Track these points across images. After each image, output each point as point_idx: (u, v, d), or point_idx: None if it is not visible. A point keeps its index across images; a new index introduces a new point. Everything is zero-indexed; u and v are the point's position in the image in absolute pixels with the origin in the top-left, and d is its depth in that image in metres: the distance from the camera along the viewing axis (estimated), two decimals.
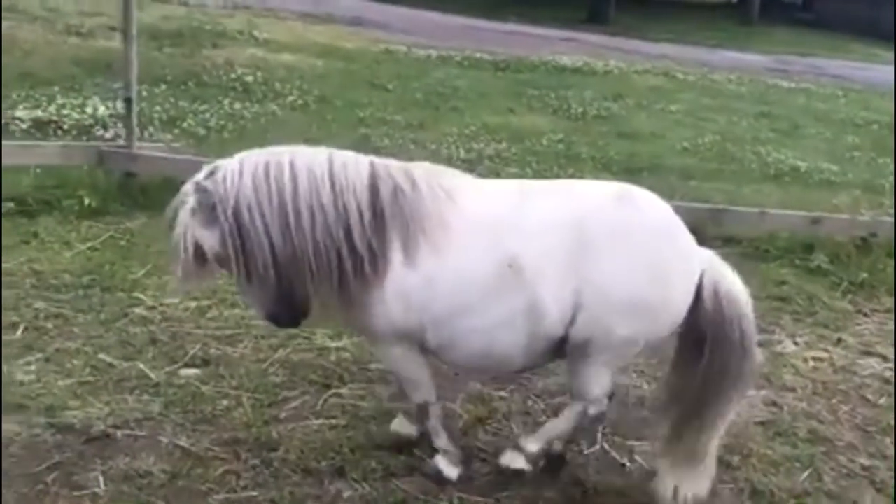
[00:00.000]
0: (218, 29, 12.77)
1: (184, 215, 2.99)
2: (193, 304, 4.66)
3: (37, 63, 9.65)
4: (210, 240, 2.94)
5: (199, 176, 2.97)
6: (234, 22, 13.67)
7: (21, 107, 7.84)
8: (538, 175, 7.84)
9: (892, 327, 5.23)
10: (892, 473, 3.76)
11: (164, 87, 9.56)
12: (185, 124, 8.12)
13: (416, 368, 3.25)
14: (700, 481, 3.26)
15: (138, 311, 4.49)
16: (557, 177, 7.94)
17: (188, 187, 2.99)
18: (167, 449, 3.37)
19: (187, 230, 2.97)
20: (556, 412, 3.77)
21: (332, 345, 4.40)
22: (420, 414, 3.37)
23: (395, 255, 2.99)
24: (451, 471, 3.39)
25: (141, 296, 4.66)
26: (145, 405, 3.64)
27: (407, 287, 3.00)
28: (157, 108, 8.44)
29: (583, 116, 10.93)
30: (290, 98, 9.95)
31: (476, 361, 3.25)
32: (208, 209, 2.91)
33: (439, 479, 3.38)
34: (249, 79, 10.47)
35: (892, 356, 4.86)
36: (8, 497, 3.00)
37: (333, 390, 3.96)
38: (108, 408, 3.58)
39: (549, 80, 13.06)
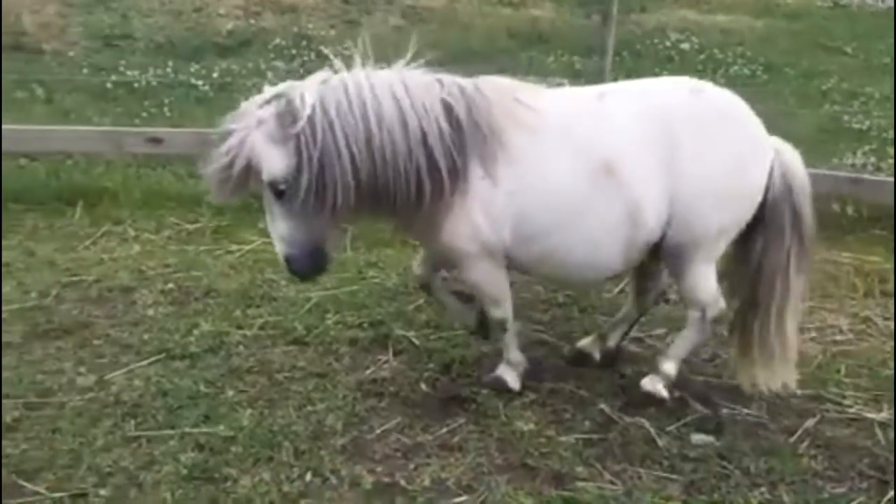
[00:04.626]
0: None
1: (247, 125, 2.83)
2: None
3: (474, 37, 9.68)
4: (274, 159, 2.83)
5: (264, 97, 2.89)
6: None
7: None
8: None
9: None
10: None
11: (595, 58, 9.04)
12: None
13: (499, 285, 3.29)
14: (776, 375, 3.35)
15: (625, 343, 3.90)
16: None
17: (260, 99, 2.88)
18: None
19: (246, 142, 2.81)
20: None
21: (869, 415, 3.44)
22: (497, 329, 3.43)
23: (475, 170, 2.96)
24: (514, 382, 3.45)
25: None
26: (662, 485, 3.01)
27: (489, 202, 3.00)
28: None
29: None
30: (734, 68, 8.85)
31: (572, 273, 3.29)
32: (282, 126, 2.79)
33: (501, 387, 3.44)
34: (685, 46, 9.55)
35: None
36: None
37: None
38: (621, 483, 3.01)
39: None
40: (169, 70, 7.78)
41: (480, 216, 3.02)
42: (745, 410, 3.46)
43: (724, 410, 3.45)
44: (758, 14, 11.24)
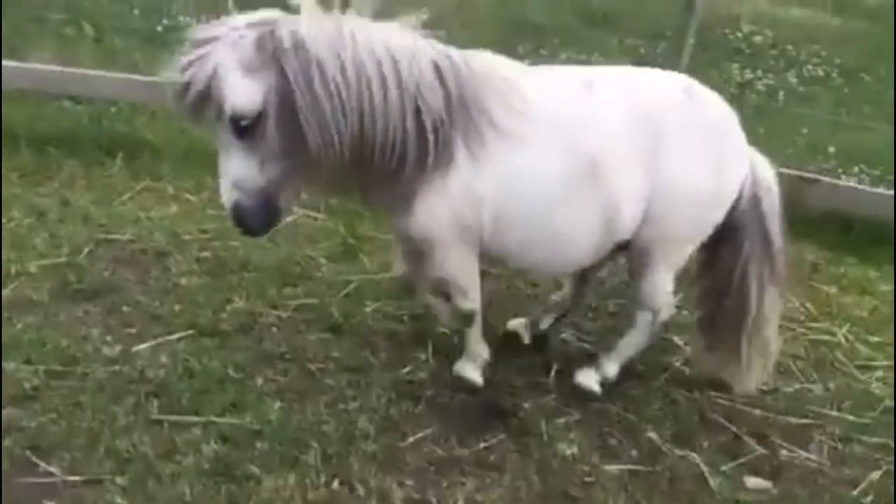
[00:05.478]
0: None
1: (219, 42, 2.45)
2: None
3: (535, 9, 9.33)
4: (242, 89, 2.46)
5: (248, 18, 2.54)
6: None
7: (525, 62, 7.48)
8: None
9: None
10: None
11: (663, 44, 8.67)
12: None
13: (471, 272, 3.08)
14: (751, 376, 3.39)
15: (677, 364, 3.66)
16: None
17: (242, 19, 2.53)
18: None
19: (210, 63, 2.43)
20: None
21: None
22: (465, 320, 3.21)
23: (459, 148, 2.76)
24: (476, 376, 3.32)
25: (683, 342, 3.82)
26: None
27: (471, 184, 2.80)
28: None
29: None
30: (808, 67, 8.41)
31: (541, 265, 3.19)
32: (261, 52, 2.46)
33: (463, 385, 3.31)
34: (757, 38, 9.11)
35: None
36: None
37: None
38: None
39: None
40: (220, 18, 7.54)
41: (460, 197, 2.82)
42: (805, 454, 3.22)
43: (783, 452, 3.21)
44: (835, 11, 10.72)
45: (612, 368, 3.37)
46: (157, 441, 2.87)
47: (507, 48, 7.26)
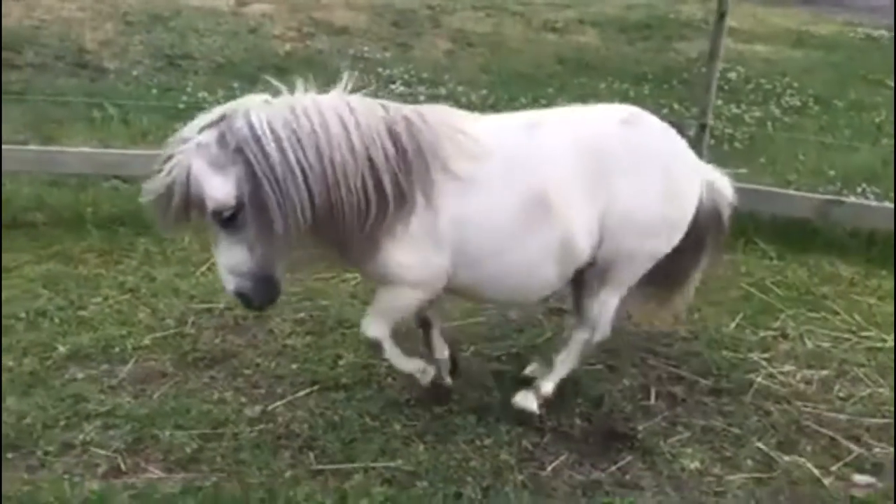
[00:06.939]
0: (681, 18, 12.12)
1: (187, 151, 2.70)
2: (811, 373, 4.06)
3: (522, 62, 9.78)
4: (217, 185, 2.69)
5: (204, 119, 2.76)
6: (691, 8, 12.91)
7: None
8: None
9: None
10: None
11: (647, 87, 9.18)
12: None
13: (406, 311, 3.27)
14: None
15: (760, 379, 3.98)
16: None
17: (200, 123, 2.76)
18: None
19: (185, 169, 2.68)
20: None
21: None
22: (376, 348, 3.33)
23: (418, 198, 2.94)
24: (425, 379, 3.49)
25: (759, 358, 4.14)
26: None
27: (432, 229, 2.99)
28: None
29: None
30: (785, 98, 8.99)
31: (509, 296, 3.40)
32: (224, 149, 2.68)
33: (432, 397, 3.56)
34: (732, 75, 9.68)
35: None
36: None
37: None
38: None
39: None
40: (236, 92, 7.80)
41: (423, 240, 3.00)
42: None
43: (877, 450, 3.53)
44: (793, 44, 11.43)
45: (548, 387, 3.54)
46: (327, 489, 3.07)
47: (508, 101, 7.66)
